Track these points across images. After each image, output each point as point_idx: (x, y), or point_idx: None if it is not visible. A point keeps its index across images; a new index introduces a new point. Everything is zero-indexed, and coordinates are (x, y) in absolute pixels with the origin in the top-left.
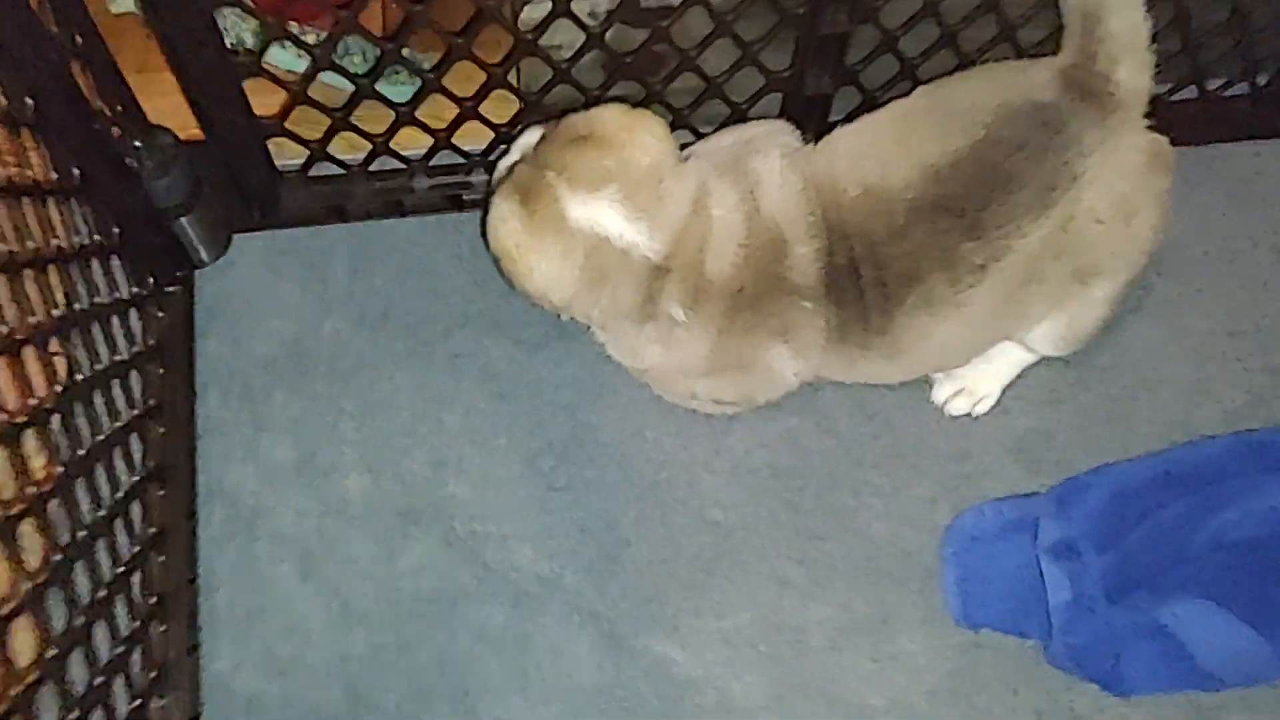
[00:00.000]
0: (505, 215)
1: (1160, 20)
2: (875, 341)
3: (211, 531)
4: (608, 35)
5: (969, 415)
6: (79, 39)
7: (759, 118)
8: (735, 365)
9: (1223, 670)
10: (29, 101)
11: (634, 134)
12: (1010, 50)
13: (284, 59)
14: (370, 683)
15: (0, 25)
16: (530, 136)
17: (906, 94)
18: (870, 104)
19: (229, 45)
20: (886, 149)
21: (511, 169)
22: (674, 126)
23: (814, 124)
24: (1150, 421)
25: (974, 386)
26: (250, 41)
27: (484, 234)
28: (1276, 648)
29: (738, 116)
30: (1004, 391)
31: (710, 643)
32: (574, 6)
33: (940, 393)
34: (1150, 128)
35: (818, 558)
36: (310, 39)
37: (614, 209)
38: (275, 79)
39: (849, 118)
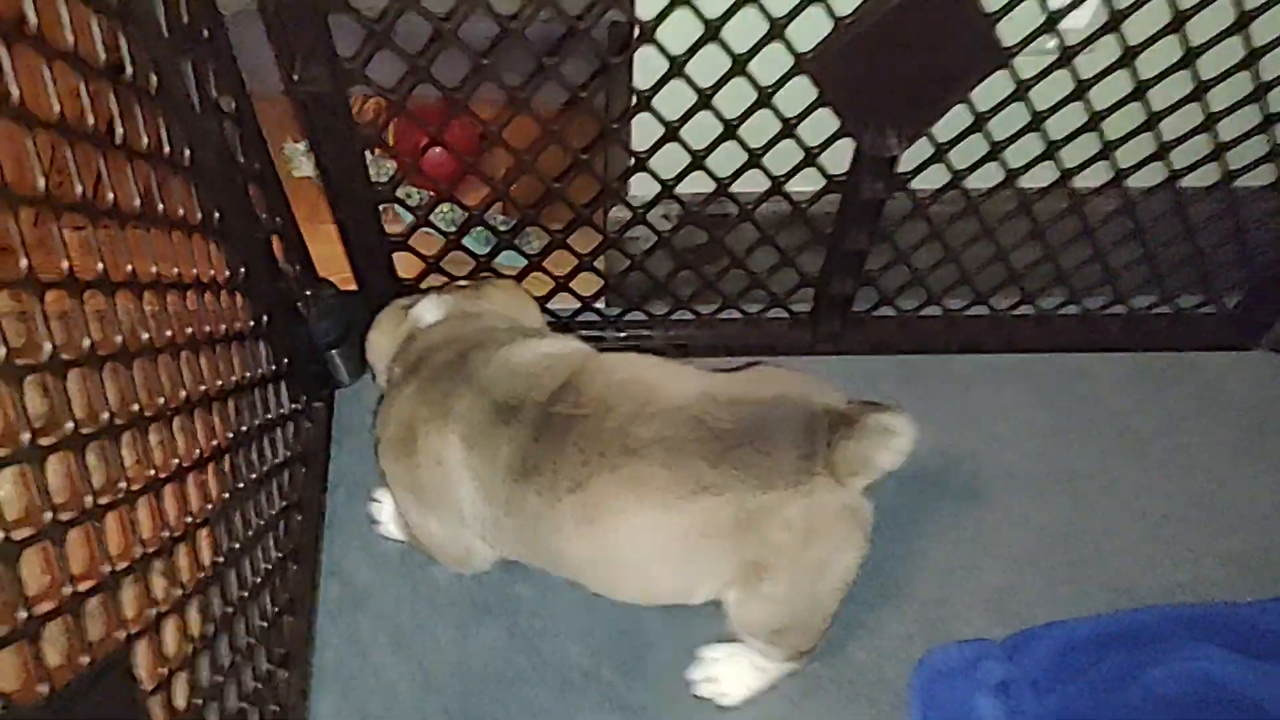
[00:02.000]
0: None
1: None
2: (565, 498)
3: (328, 605)
4: (675, 237)
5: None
6: (279, 219)
7: (794, 308)
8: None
9: None
10: (242, 270)
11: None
12: (1005, 270)
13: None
14: None
15: (226, 211)
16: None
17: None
18: (884, 303)
19: (401, 197)
20: (682, 371)
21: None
22: (722, 308)
23: (838, 317)
24: (1103, 587)
25: (723, 681)
26: (418, 198)
27: None
28: None
29: (777, 305)
30: (750, 693)
31: None
32: (650, 215)
33: (695, 672)
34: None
35: (809, 675)
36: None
37: (434, 305)
38: (416, 253)
39: (871, 313)
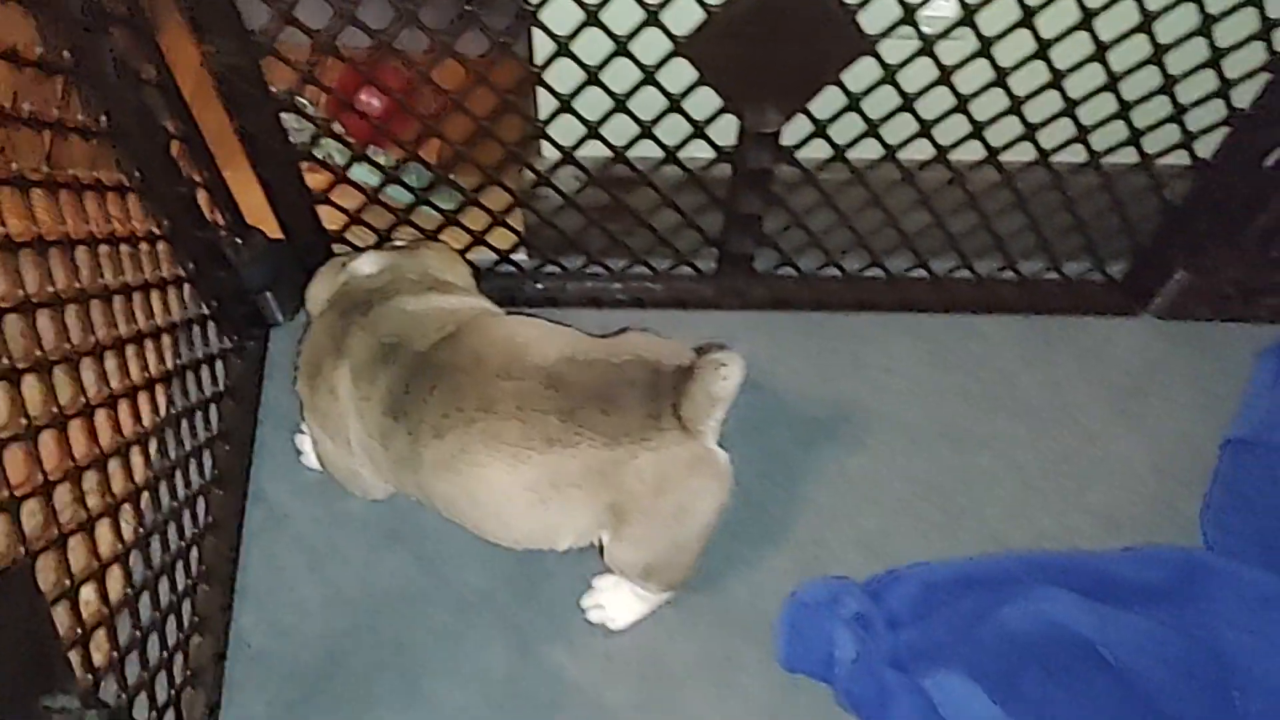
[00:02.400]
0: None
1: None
2: (430, 443)
3: (252, 527)
4: (583, 196)
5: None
6: (206, 174)
7: (701, 265)
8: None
9: None
10: (165, 222)
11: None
12: (897, 235)
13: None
14: (345, 650)
15: (146, 170)
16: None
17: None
18: (786, 264)
19: (320, 157)
20: (555, 334)
21: None
22: (632, 264)
23: (741, 274)
24: (973, 534)
25: (610, 608)
26: (338, 158)
27: None
28: (1012, 716)
29: (684, 262)
30: (637, 619)
31: (596, 657)
32: (561, 175)
33: (586, 599)
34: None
35: (690, 605)
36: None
37: (371, 260)
38: (339, 208)
39: (774, 271)
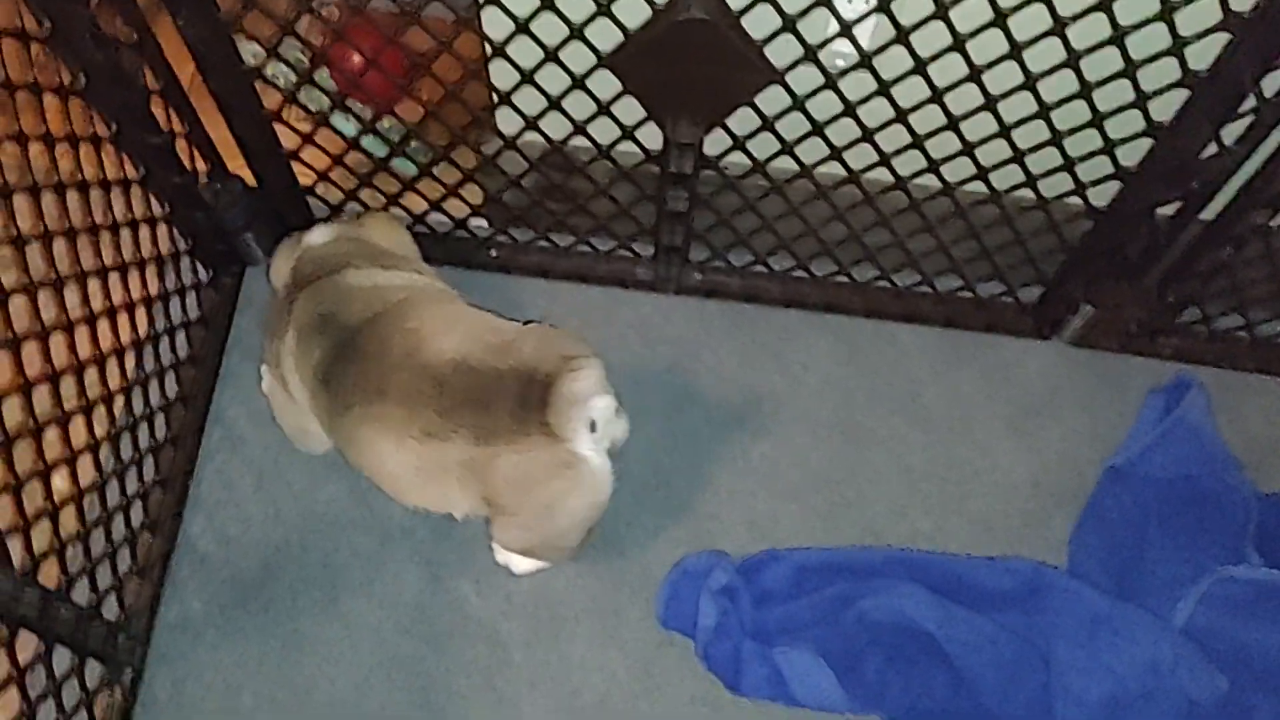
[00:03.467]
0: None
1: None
2: (342, 414)
3: (209, 445)
4: (527, 179)
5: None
6: (186, 125)
7: (639, 250)
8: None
9: (805, 699)
10: (142, 169)
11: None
12: (817, 243)
13: (339, 123)
14: (278, 564)
15: (123, 124)
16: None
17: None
18: (717, 257)
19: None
20: (457, 328)
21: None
22: (577, 242)
23: (675, 263)
24: (854, 526)
25: (507, 555)
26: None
27: None
28: (850, 695)
29: (623, 246)
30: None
31: (498, 594)
32: (506, 158)
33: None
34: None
35: (589, 560)
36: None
37: (323, 232)
38: (308, 166)
39: (706, 263)
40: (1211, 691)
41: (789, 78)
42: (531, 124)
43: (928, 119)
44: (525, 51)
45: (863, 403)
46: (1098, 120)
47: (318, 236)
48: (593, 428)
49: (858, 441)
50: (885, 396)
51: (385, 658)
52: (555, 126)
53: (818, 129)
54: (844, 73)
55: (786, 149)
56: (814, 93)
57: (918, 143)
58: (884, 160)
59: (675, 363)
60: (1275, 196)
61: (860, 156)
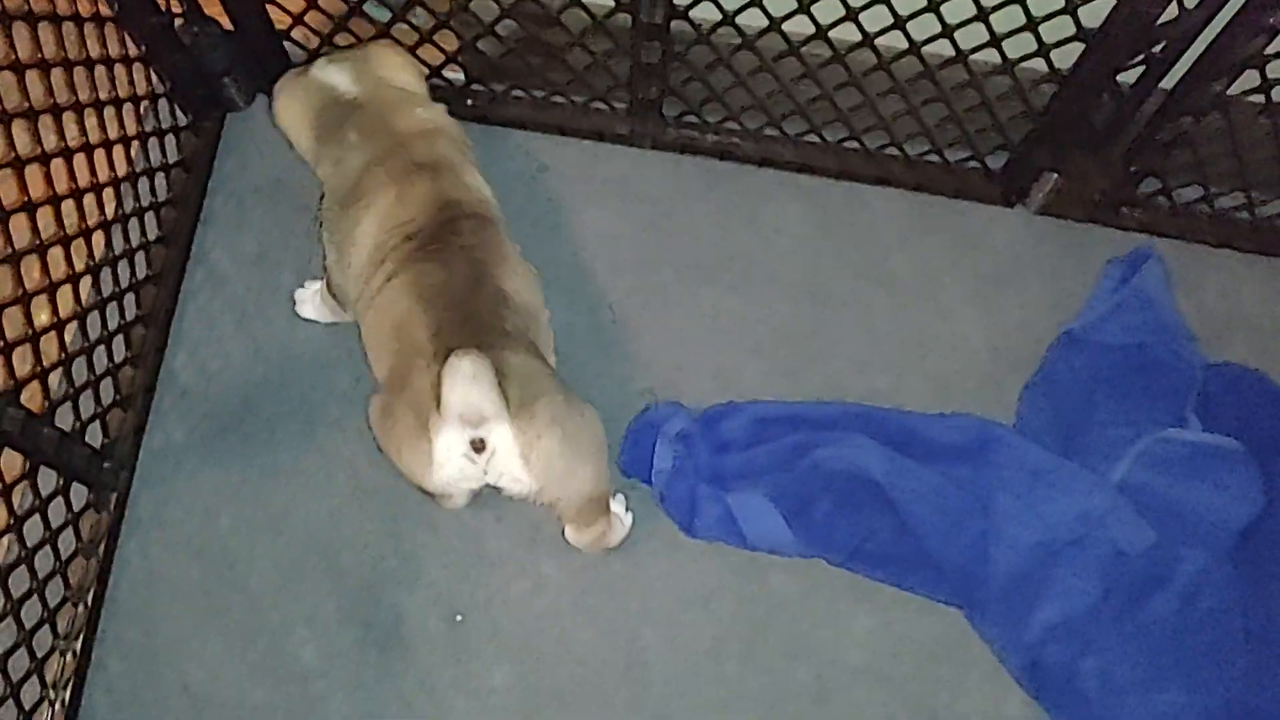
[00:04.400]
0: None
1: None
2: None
3: (193, 284)
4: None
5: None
6: None
7: (616, 104)
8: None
9: (755, 541)
10: (115, 5)
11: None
12: (790, 101)
13: None
14: (257, 398)
15: None
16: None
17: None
18: (692, 113)
19: None
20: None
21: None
22: (552, 94)
23: (651, 118)
24: (815, 381)
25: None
26: None
27: None
28: (799, 537)
29: (599, 98)
30: None
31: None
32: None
33: None
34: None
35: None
36: None
37: (340, 73)
38: (282, 7)
39: (680, 117)
40: (1140, 542)
41: None
42: None
43: None
44: None
45: (831, 265)
46: None
47: (342, 82)
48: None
49: (824, 302)
50: (854, 260)
51: (357, 488)
52: None
53: None
54: None
55: (754, 1)
56: None
57: None
58: (851, 15)
59: (651, 222)
60: (1233, 65)
61: (827, 11)
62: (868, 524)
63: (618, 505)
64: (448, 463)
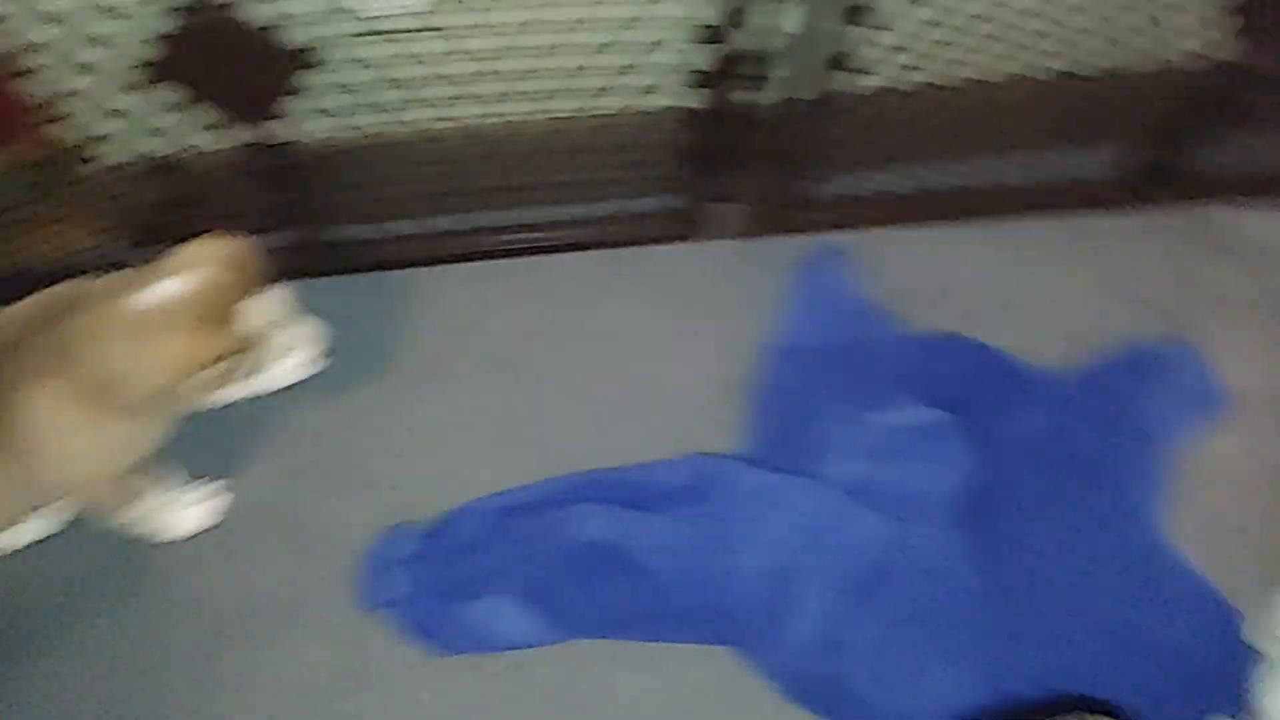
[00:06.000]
0: None
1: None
2: None
3: None
4: None
5: None
6: None
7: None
8: None
9: (505, 641)
10: None
11: None
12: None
13: None
14: None
15: None
16: None
17: None
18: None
19: None
20: None
21: None
22: None
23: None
24: (544, 460)
25: None
26: None
27: None
28: (551, 625)
29: None
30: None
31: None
32: None
33: None
34: None
35: (294, 558)
36: None
37: None
38: None
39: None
40: (865, 531)
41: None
42: None
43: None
44: None
45: (527, 340)
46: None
47: None
48: None
49: (533, 378)
50: (552, 329)
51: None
52: None
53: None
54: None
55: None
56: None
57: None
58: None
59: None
60: (845, 63)
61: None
62: (611, 591)
63: None
64: None
